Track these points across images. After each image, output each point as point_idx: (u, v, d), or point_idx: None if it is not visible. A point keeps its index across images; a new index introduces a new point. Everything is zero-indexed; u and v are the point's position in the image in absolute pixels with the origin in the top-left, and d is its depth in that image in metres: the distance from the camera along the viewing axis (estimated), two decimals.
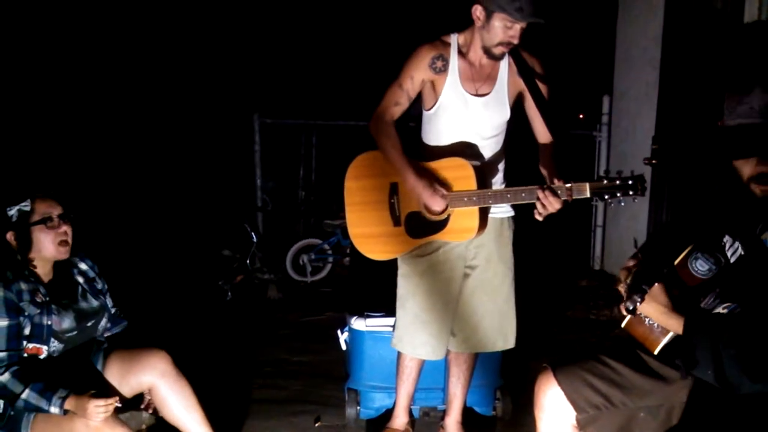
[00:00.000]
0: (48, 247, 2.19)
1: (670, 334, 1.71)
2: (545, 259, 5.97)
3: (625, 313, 1.74)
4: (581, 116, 8.64)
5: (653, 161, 4.56)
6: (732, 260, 1.70)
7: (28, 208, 2.17)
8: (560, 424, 1.84)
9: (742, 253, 1.68)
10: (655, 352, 1.74)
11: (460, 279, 2.57)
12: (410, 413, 2.86)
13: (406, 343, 2.63)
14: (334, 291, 5.36)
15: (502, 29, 2.30)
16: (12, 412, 2.07)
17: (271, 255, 5.57)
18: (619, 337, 1.85)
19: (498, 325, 2.64)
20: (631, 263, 1.78)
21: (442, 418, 2.82)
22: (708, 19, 4.18)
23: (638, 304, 1.65)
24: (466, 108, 2.44)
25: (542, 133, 2.54)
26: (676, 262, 1.75)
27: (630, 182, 2.19)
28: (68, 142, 7.03)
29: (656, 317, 1.69)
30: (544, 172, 2.44)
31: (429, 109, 2.49)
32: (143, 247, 5.71)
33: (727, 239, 1.73)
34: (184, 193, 7.21)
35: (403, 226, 2.48)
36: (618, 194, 2.19)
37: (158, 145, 7.91)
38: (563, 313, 4.75)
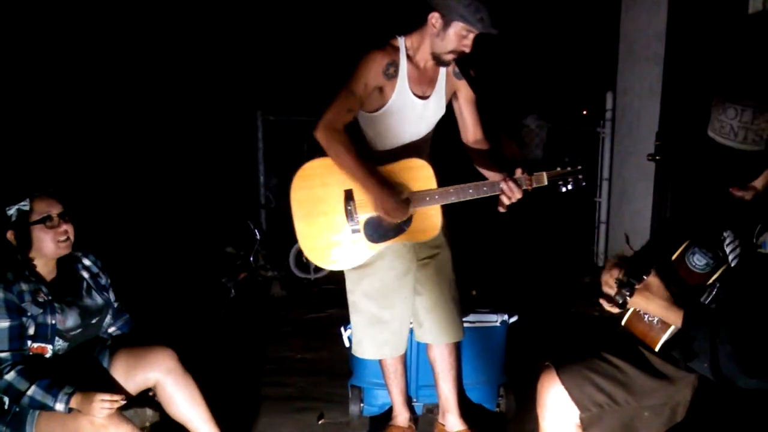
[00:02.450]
0: (48, 246, 2.19)
1: (670, 331, 1.70)
2: (549, 256, 5.97)
3: (608, 306, 1.73)
4: (584, 112, 8.63)
5: (657, 158, 4.54)
6: (731, 257, 1.69)
7: (27, 208, 2.17)
8: (563, 423, 1.84)
9: (741, 252, 1.67)
10: (656, 349, 1.73)
11: (414, 271, 2.57)
12: (412, 410, 2.86)
13: (367, 346, 2.64)
14: (337, 288, 5.34)
15: (458, 38, 2.32)
16: (17, 409, 2.08)
17: (274, 252, 5.56)
18: (622, 333, 1.84)
19: (457, 313, 2.67)
20: (617, 259, 1.78)
21: (438, 416, 2.80)
22: (712, 13, 4.16)
23: (627, 298, 1.66)
24: (413, 110, 2.47)
25: (474, 131, 2.59)
26: (673, 257, 1.74)
27: (579, 167, 2.35)
28: (70, 140, 7.03)
29: (656, 311, 1.68)
30: (486, 166, 2.51)
31: (373, 112, 2.46)
32: (147, 244, 5.72)
33: (727, 234, 1.72)
34: (188, 190, 7.21)
35: (362, 232, 2.45)
36: (569, 179, 2.36)
37: (162, 142, 7.91)
38: (567, 310, 4.75)
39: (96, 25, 7.93)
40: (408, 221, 2.43)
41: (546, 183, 2.36)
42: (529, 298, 4.47)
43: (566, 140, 6.26)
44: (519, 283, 4.96)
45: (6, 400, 2.09)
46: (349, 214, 2.42)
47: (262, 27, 9.66)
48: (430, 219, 2.44)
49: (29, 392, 2.01)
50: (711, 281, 1.69)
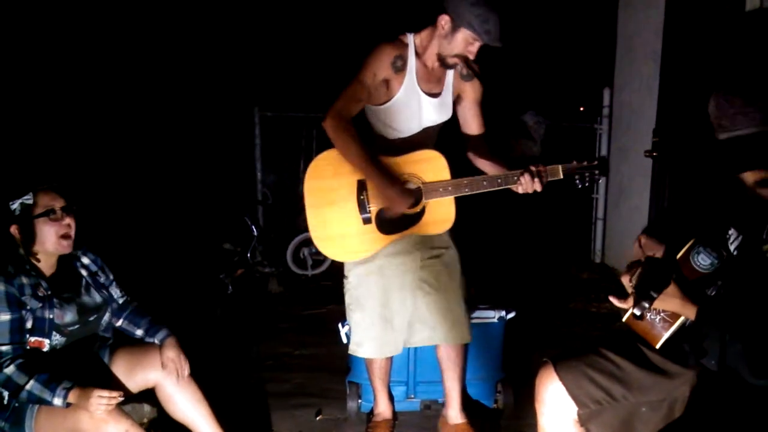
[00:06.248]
0: (51, 240, 2.19)
1: (672, 330, 1.70)
2: (546, 252, 5.98)
3: (632, 318, 1.72)
4: (582, 108, 8.64)
5: (654, 154, 4.55)
6: (735, 254, 1.70)
7: (30, 201, 2.18)
8: (561, 419, 1.84)
9: (746, 250, 1.67)
10: (657, 347, 1.74)
11: (418, 271, 2.57)
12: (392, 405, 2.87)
13: (369, 346, 2.62)
14: (334, 284, 5.34)
15: (464, 44, 2.37)
16: (16, 404, 2.09)
17: (271, 248, 5.56)
18: (620, 330, 1.84)
19: (465, 314, 2.67)
20: (638, 251, 1.77)
21: (443, 409, 2.81)
22: (709, 10, 4.16)
23: (646, 310, 1.64)
24: (419, 106, 2.49)
25: (477, 133, 2.63)
26: (678, 255, 1.74)
27: (595, 163, 2.42)
28: (70, 135, 7.02)
29: (673, 308, 1.68)
30: (488, 163, 2.55)
31: (379, 105, 2.49)
32: (145, 240, 5.71)
33: (732, 232, 1.72)
34: (185, 186, 7.20)
35: (375, 224, 2.45)
36: (586, 174, 2.42)
37: (159, 138, 7.90)
38: (564, 306, 4.75)
39: (96, 23, 7.92)
40: (421, 213, 2.44)
41: (561, 176, 2.41)
42: (527, 294, 4.48)
43: (564, 137, 6.27)
44: (517, 280, 4.97)
45: (5, 394, 2.09)
46: (362, 205, 2.44)
47: (260, 23, 9.65)
48: (443, 211, 2.46)
49: (28, 387, 2.01)
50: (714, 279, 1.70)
